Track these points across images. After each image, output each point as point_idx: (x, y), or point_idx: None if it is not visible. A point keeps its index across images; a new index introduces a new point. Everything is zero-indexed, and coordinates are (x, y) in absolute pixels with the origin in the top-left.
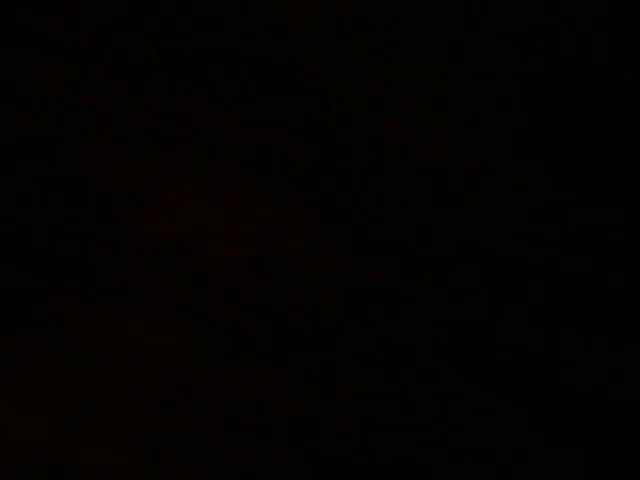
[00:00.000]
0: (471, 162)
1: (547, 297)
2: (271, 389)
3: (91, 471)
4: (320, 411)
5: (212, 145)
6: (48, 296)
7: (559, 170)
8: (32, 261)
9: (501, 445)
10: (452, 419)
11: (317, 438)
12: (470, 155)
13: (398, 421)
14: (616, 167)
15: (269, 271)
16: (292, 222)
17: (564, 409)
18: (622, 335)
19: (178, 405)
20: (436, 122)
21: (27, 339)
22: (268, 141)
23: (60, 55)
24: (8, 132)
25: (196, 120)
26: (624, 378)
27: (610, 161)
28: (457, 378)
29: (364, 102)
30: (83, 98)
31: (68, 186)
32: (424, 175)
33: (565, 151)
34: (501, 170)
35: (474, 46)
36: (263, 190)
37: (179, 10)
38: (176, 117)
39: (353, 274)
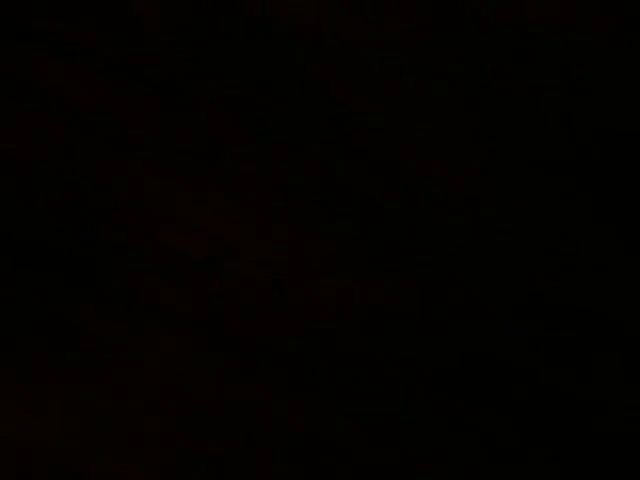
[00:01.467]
0: (488, 192)
1: (548, 325)
2: (287, 406)
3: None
4: (335, 428)
5: (233, 162)
6: (64, 304)
7: (581, 202)
8: (50, 268)
9: (502, 463)
10: (460, 440)
11: (332, 455)
12: (488, 185)
13: (412, 439)
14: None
15: (285, 289)
16: (309, 242)
17: (578, 443)
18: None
19: (194, 420)
20: (456, 150)
21: (42, 346)
22: (288, 162)
23: (93, 68)
24: (39, 141)
25: (219, 138)
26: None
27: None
28: (467, 400)
29: (385, 126)
30: (113, 111)
31: (90, 197)
32: (440, 199)
33: (590, 182)
34: (518, 203)
35: (503, 75)
36: (281, 209)
37: (212, 30)
38: (199, 134)
39: (369, 294)
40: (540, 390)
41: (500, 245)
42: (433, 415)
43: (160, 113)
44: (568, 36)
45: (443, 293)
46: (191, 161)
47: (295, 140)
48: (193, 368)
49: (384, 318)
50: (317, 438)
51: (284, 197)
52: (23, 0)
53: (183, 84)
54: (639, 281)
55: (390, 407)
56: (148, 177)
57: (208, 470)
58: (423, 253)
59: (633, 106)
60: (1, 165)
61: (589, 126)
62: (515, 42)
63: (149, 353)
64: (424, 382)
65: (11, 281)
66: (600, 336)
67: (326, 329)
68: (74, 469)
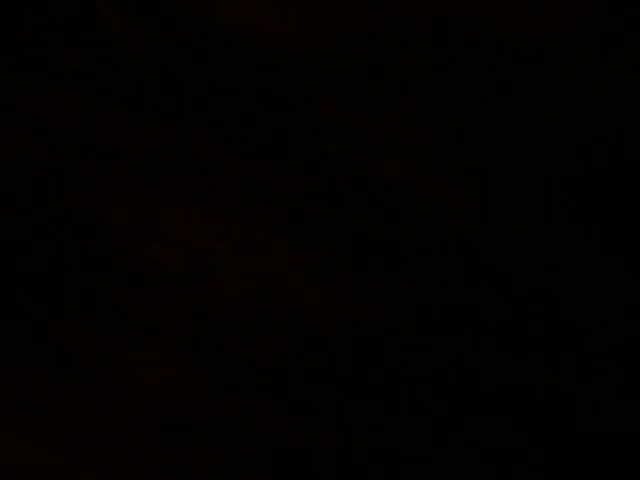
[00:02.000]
0: (471, 204)
1: (545, 335)
2: (271, 421)
3: None
4: (320, 443)
5: (216, 178)
6: (49, 323)
7: (563, 220)
8: (35, 287)
9: (490, 470)
10: (449, 451)
11: (317, 471)
12: (471, 198)
13: (397, 453)
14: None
15: (269, 303)
16: (293, 255)
17: (569, 447)
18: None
19: (178, 436)
20: (440, 162)
21: (27, 365)
22: (271, 175)
23: (75, 86)
24: (22, 159)
25: (201, 153)
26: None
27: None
28: (453, 411)
29: (367, 139)
30: (95, 128)
31: (74, 215)
32: (424, 212)
33: (571, 201)
34: (500, 215)
35: (484, 86)
36: (264, 223)
37: (191, 46)
38: (182, 149)
39: (353, 307)
40: (524, 395)
41: (484, 257)
42: (422, 425)
43: (142, 130)
44: (549, 46)
45: (427, 305)
46: (175, 177)
47: (278, 155)
48: (178, 384)
49: (369, 330)
50: (302, 453)
51: (268, 212)
52: (1, 20)
53: (164, 101)
54: (621, 289)
55: (377, 419)
56: (132, 194)
57: None
58: (407, 266)
59: (614, 115)
60: None
61: (572, 137)
62: (495, 52)
63: (134, 369)
64: (411, 393)
65: None
66: (586, 342)
67: (311, 342)
68: None
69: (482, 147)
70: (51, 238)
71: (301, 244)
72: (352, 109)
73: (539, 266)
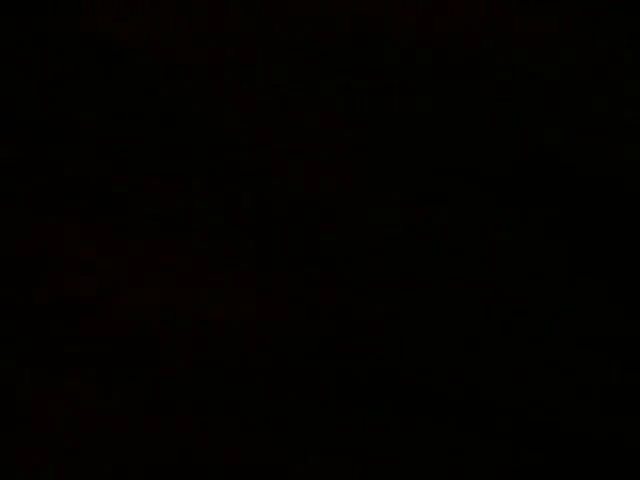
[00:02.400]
0: (375, 205)
1: (459, 327)
2: (192, 436)
3: None
4: (242, 454)
5: (118, 200)
6: None
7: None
8: None
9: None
10: (372, 447)
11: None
12: (374, 199)
13: (313, 451)
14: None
15: (175, 318)
16: (196, 270)
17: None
18: None
19: (102, 457)
20: (336, 163)
21: None
22: (172, 192)
23: None
24: None
25: (101, 177)
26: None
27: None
28: (365, 409)
29: (268, 147)
30: None
31: None
32: (328, 215)
33: (489, 191)
34: (406, 213)
35: (372, 87)
36: (167, 239)
37: (82, 75)
38: (82, 176)
39: (258, 317)
40: (440, 389)
41: (390, 257)
42: (334, 424)
43: (38, 158)
44: (440, 43)
45: (333, 304)
46: (76, 205)
47: (178, 171)
48: (99, 408)
49: (281, 336)
50: (225, 467)
51: (170, 228)
52: None
53: (56, 127)
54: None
55: (296, 422)
56: (34, 223)
57: None
58: (313, 268)
59: (517, 107)
60: None
61: (479, 136)
62: (386, 51)
63: (52, 398)
64: (321, 395)
65: None
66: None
67: (220, 354)
68: None
69: (385, 149)
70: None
71: (204, 258)
72: (250, 118)
73: (450, 259)
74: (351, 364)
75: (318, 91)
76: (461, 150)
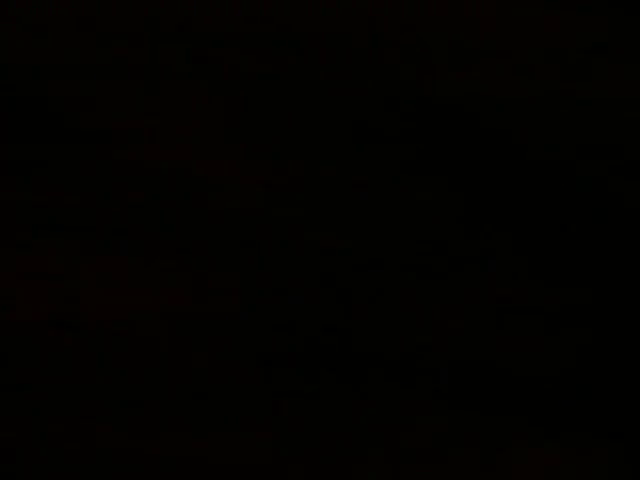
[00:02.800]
0: (249, 183)
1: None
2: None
3: None
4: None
5: None
6: None
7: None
8: None
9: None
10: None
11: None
12: (247, 177)
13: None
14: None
15: (71, 324)
16: (86, 274)
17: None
18: None
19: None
20: (211, 141)
21: None
22: (41, 198)
23: None
24: None
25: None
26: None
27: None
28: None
29: (131, 136)
30: None
31: None
32: (199, 196)
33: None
34: (286, 189)
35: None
36: (50, 247)
37: None
38: None
39: (161, 299)
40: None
41: (274, 237)
42: (253, 391)
43: None
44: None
45: (226, 288)
46: None
47: (41, 176)
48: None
49: (195, 321)
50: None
51: (49, 234)
52: None
53: None
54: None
55: (208, 396)
56: None
57: None
58: (195, 248)
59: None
60: None
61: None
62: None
63: None
64: (240, 367)
65: None
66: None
67: (127, 346)
68: None
69: (256, 123)
70: None
71: (89, 254)
72: (113, 110)
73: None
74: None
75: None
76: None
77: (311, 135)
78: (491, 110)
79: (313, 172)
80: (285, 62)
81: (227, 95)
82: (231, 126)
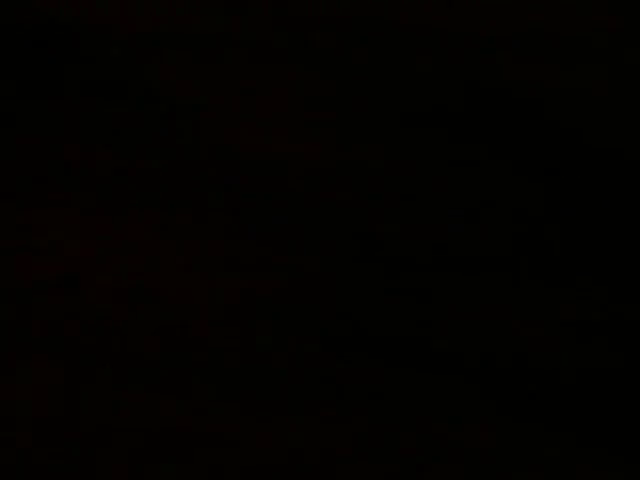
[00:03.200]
0: (335, 157)
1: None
2: (162, 413)
3: None
4: (225, 425)
5: (73, 175)
6: None
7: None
8: None
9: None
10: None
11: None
12: (332, 151)
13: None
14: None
15: (150, 295)
16: (164, 246)
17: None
18: None
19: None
20: (295, 123)
21: None
22: (124, 165)
23: None
24: None
25: (53, 151)
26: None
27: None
28: (347, 359)
29: (218, 111)
30: None
31: None
32: (280, 172)
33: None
34: (371, 163)
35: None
36: (126, 213)
37: (30, 52)
38: (33, 155)
39: (226, 285)
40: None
41: (355, 223)
42: (319, 375)
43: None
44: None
45: (300, 267)
46: (30, 183)
47: (129, 141)
48: (68, 392)
49: (244, 300)
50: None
51: (129, 203)
52: None
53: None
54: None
55: (270, 383)
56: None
57: None
58: (269, 227)
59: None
60: None
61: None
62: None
63: (21, 383)
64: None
65: None
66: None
67: (186, 324)
68: None
69: (331, 102)
70: None
71: (166, 231)
72: (202, 85)
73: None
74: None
75: (281, 62)
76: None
77: (391, 119)
78: (558, 101)
79: (392, 158)
80: (374, 48)
81: (317, 79)
82: (313, 109)
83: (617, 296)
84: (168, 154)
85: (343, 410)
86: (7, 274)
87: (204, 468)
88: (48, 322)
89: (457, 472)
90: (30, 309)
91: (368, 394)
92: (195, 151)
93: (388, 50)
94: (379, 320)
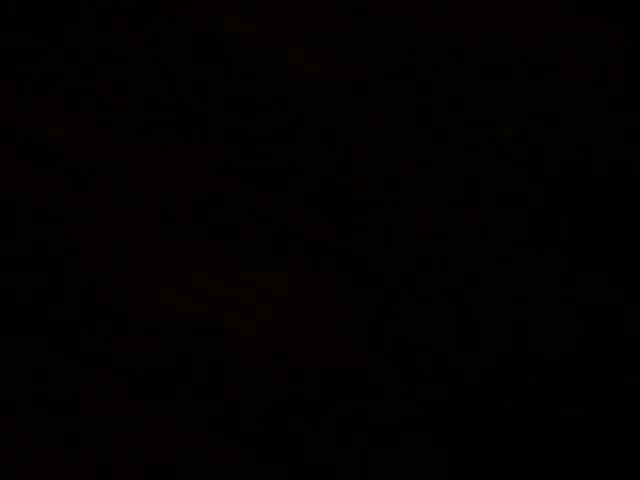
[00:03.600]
0: (487, 244)
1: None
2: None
3: None
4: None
5: (232, 219)
6: (52, 370)
7: (575, 255)
8: (42, 332)
9: None
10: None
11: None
12: (488, 237)
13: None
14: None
15: (286, 358)
16: (309, 302)
17: None
18: None
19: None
20: (462, 202)
21: (26, 411)
22: (287, 218)
23: (93, 116)
24: (36, 191)
25: (215, 185)
26: None
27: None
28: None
29: (388, 177)
30: (111, 160)
31: (82, 254)
32: (445, 253)
33: (582, 235)
34: (517, 255)
35: (502, 119)
36: (280, 270)
37: (208, 78)
38: (194, 181)
39: (371, 363)
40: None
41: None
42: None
43: (158, 163)
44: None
45: (427, 360)
46: (189, 220)
47: (296, 189)
48: (194, 440)
49: (378, 387)
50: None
51: (283, 257)
52: (25, 46)
53: (177, 126)
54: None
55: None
56: (148, 235)
57: None
58: (434, 318)
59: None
60: None
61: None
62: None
63: (148, 422)
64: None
65: None
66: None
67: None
68: None
69: (502, 182)
70: (59, 281)
71: (318, 289)
72: (376, 147)
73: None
74: None
75: (446, 125)
76: None
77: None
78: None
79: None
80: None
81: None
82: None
83: (617, 295)
84: (330, 213)
85: None
86: (147, 306)
87: None
88: (183, 365)
89: None
90: (168, 347)
91: None
92: (357, 213)
93: None
94: None
